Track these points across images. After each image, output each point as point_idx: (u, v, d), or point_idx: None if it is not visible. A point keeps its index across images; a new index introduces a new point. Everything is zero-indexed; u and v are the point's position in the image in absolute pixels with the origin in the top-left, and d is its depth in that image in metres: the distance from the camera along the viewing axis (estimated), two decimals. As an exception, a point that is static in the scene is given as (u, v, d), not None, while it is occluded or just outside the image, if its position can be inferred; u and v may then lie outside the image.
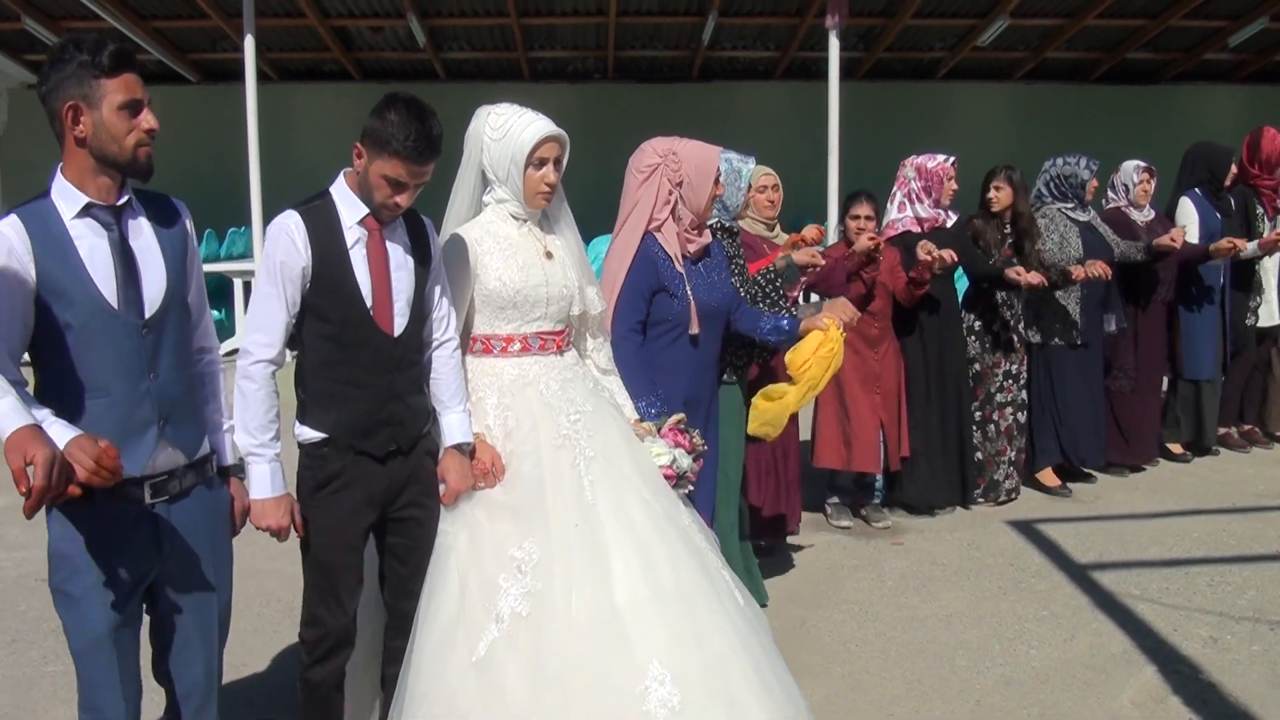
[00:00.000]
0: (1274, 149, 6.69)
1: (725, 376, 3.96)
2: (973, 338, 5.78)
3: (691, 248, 3.58)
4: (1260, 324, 6.82)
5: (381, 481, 2.73)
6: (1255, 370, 7.03)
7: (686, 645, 2.58)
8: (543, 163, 2.90)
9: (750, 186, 4.28)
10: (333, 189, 2.71)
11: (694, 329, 3.50)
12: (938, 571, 4.87)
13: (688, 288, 3.50)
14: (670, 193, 3.47)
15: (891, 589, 4.66)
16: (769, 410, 3.82)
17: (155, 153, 2.28)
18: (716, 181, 3.56)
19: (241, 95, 9.55)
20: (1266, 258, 6.66)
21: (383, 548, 2.85)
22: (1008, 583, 4.71)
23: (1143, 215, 6.51)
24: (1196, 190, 6.66)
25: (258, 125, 9.38)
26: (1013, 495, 5.89)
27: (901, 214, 5.56)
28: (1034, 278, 5.49)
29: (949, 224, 5.63)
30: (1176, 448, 6.75)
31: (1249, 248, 6.40)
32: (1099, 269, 5.68)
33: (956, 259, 5.30)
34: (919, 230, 5.50)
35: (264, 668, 3.85)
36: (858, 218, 5.29)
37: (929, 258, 5.13)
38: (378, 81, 12.64)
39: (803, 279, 4.81)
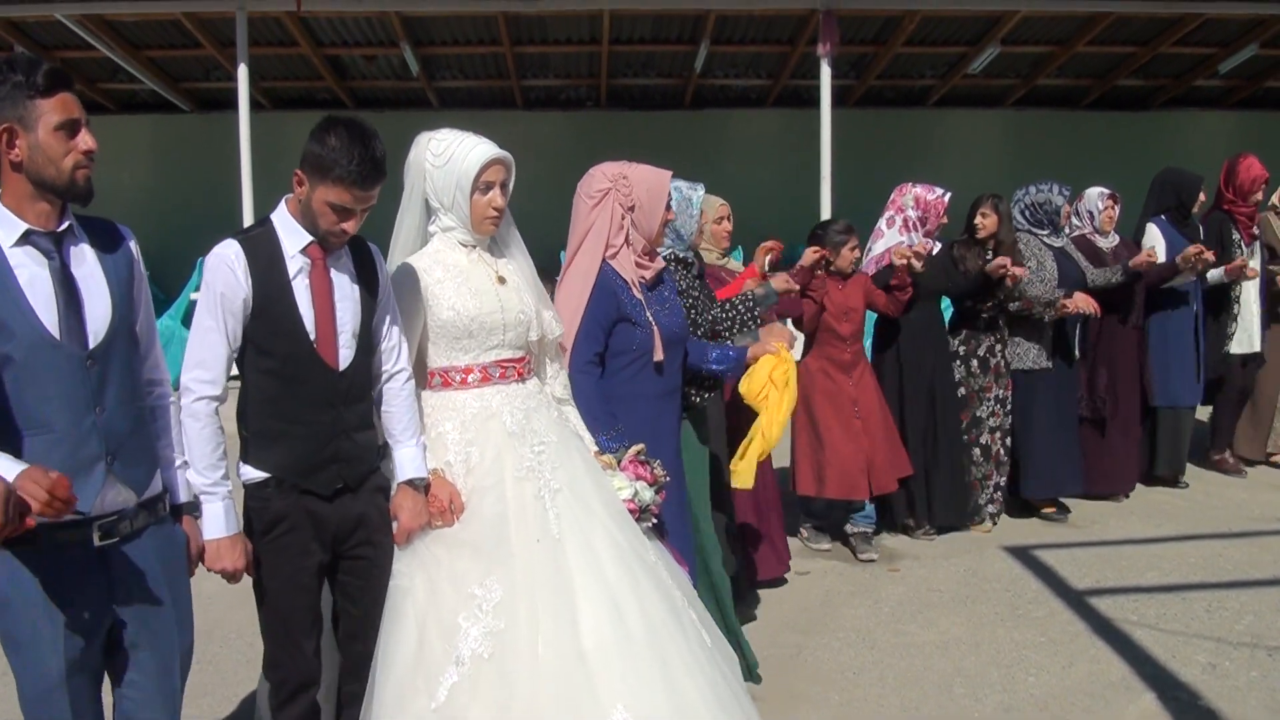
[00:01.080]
0: (1249, 176, 6.66)
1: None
2: (958, 362, 5.78)
3: (647, 274, 3.46)
4: (1236, 351, 6.75)
5: (330, 521, 2.64)
6: (1241, 396, 6.95)
7: (654, 690, 2.51)
8: (489, 187, 2.83)
9: (702, 213, 4.12)
10: (274, 216, 2.63)
11: (658, 355, 3.37)
12: (935, 598, 4.85)
13: (648, 314, 3.38)
14: (623, 218, 3.37)
15: (888, 616, 4.64)
16: (743, 468, 3.68)
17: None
18: (668, 206, 3.48)
19: (235, 124, 9.57)
20: (1246, 283, 6.61)
21: (334, 586, 2.76)
22: (1005, 609, 4.69)
23: (1108, 242, 6.45)
24: (1162, 217, 6.61)
25: (251, 153, 9.41)
26: (993, 520, 5.87)
27: (901, 238, 5.58)
28: (1020, 270, 5.53)
29: (934, 252, 5.67)
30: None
31: (1213, 274, 6.34)
32: (1090, 305, 5.67)
33: (929, 250, 5.37)
34: None
35: (253, 696, 3.79)
36: (855, 248, 5.30)
37: (903, 262, 5.21)
38: (371, 110, 12.64)
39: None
